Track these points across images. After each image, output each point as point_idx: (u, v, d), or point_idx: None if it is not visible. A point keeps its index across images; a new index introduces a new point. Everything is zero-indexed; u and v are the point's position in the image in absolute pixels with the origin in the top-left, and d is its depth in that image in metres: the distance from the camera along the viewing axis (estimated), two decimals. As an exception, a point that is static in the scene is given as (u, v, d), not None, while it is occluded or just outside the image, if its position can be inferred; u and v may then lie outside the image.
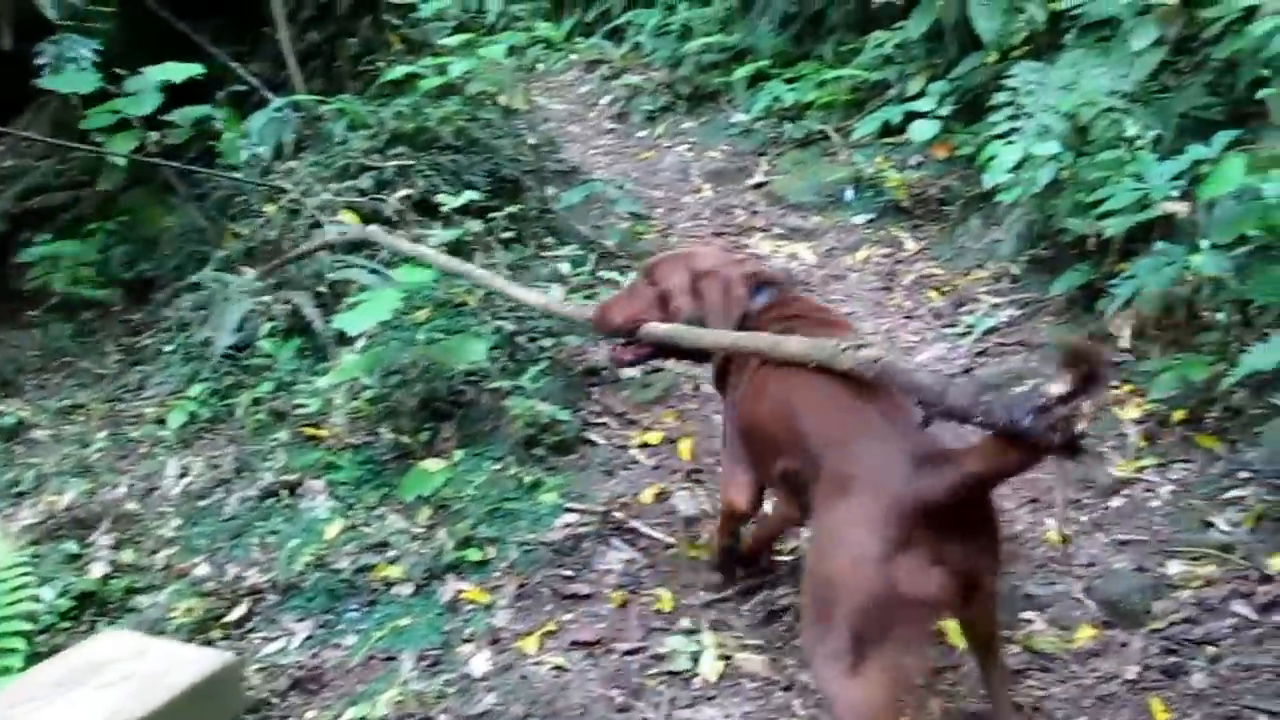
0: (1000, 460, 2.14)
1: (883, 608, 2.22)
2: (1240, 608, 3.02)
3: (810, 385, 2.58)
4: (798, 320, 2.88)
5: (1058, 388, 1.97)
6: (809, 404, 2.59)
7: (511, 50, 5.13)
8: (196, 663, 1.86)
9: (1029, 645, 3.00)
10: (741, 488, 3.03)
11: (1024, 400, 2.03)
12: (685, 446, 4.06)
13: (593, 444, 4.09)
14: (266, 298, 4.45)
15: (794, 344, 2.61)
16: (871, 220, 5.93)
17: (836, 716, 2.32)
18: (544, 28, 7.39)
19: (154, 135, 4.62)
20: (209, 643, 3.26)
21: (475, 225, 4.60)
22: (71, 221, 5.12)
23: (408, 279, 3.80)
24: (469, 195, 4.64)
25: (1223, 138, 3.67)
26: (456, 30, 5.72)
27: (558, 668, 3.09)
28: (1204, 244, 3.67)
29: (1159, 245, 3.90)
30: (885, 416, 2.42)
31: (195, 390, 4.38)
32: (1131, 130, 4.20)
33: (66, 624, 3.33)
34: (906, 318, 4.95)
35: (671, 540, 3.57)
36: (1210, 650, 2.90)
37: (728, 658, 3.06)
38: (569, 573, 3.47)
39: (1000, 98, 4.97)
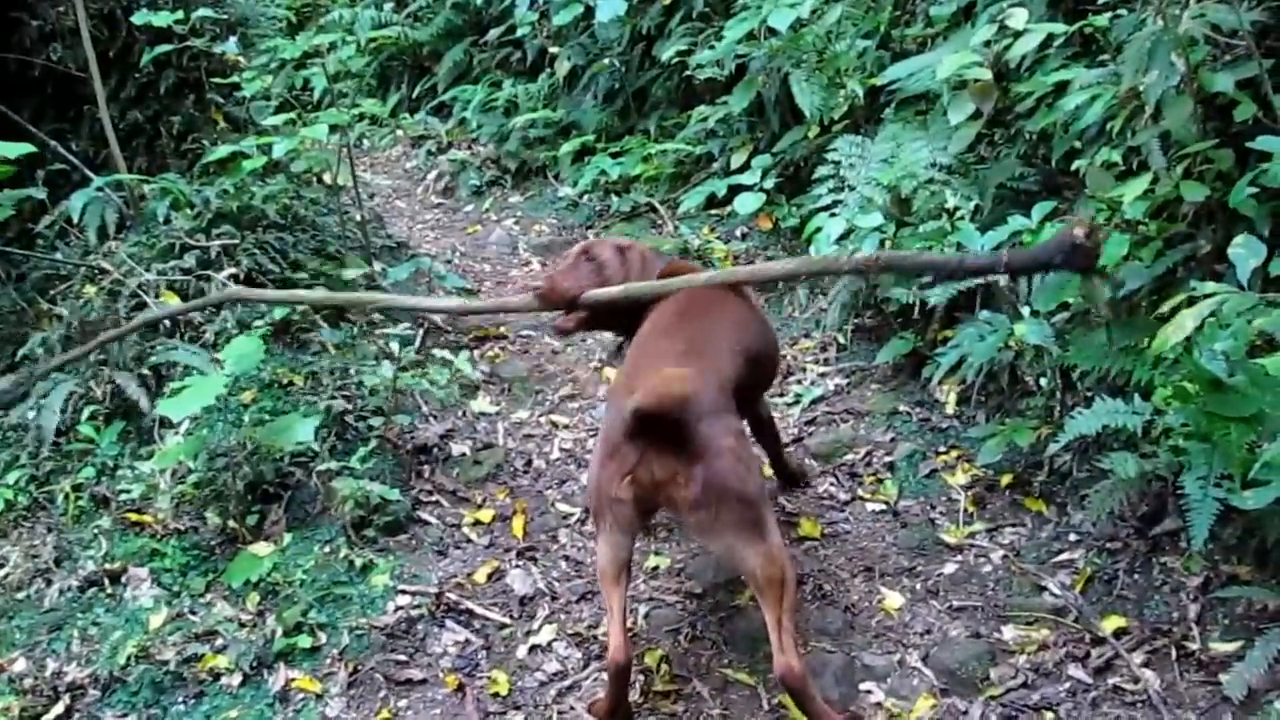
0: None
1: (596, 499, 3.09)
2: (1075, 671, 3.16)
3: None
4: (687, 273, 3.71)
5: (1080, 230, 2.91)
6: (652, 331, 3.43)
7: (335, 128, 5.12)
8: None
9: None
10: None
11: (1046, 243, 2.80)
12: (518, 524, 4.10)
13: (425, 523, 4.11)
14: (90, 380, 4.35)
15: (780, 265, 2.88)
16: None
17: None
18: (369, 104, 7.38)
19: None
20: (26, 742, 3.18)
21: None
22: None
23: (234, 362, 3.77)
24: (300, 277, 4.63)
25: (1042, 208, 3.80)
26: (281, 108, 5.69)
27: (392, 755, 3.09)
28: (1025, 311, 3.86)
29: (982, 314, 4.08)
30: (660, 348, 3.25)
31: (11, 477, 4.24)
32: (952, 201, 4.36)
33: (-126, 726, 3.18)
34: (736, 389, 5.08)
35: (506, 620, 3.61)
36: (1048, 716, 3.03)
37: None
38: (402, 657, 3.47)
39: (823, 171, 5.14)
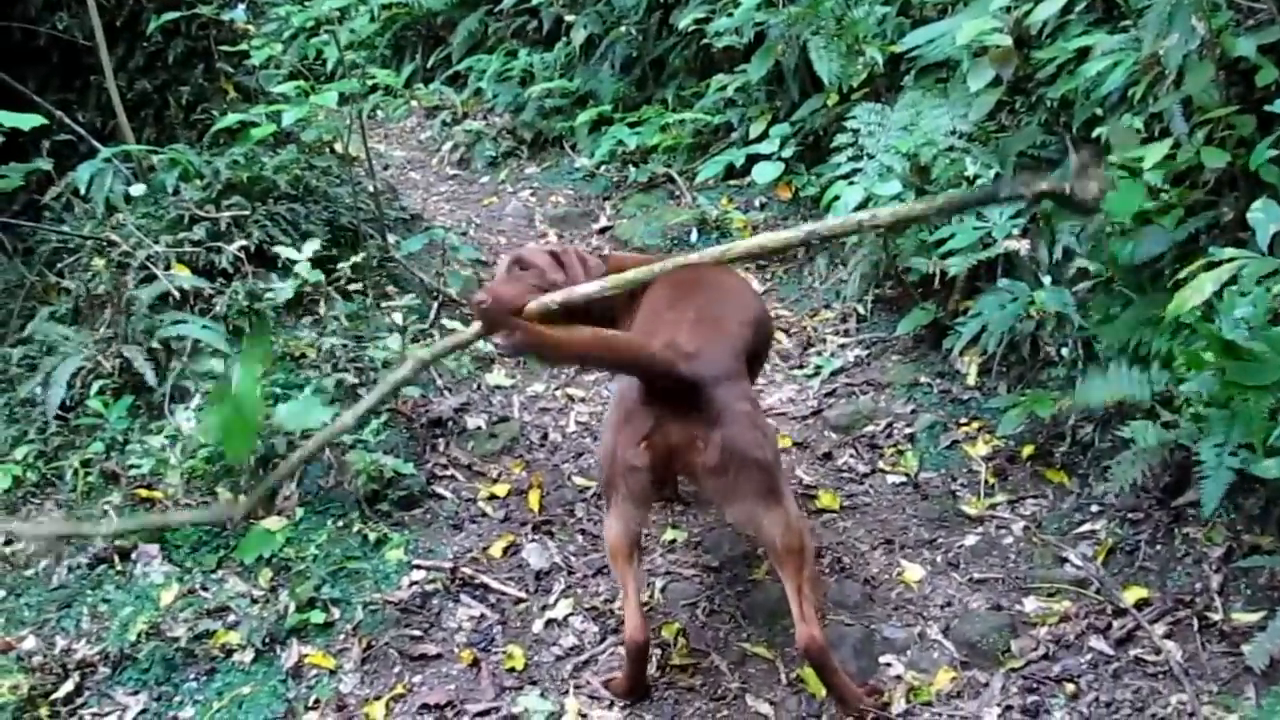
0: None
1: (609, 468, 2.99)
2: (1097, 643, 3.12)
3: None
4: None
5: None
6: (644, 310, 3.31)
7: (346, 97, 5.05)
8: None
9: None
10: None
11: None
12: (534, 498, 4.06)
13: (439, 497, 4.06)
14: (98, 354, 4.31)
15: (774, 236, 2.80)
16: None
17: None
18: (383, 74, 7.30)
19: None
20: (36, 721, 3.15)
21: (314, 275, 4.52)
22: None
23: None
24: (312, 246, 4.57)
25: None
26: (292, 77, 5.62)
27: (406, 732, 3.05)
28: (1046, 280, 3.79)
29: (1003, 283, 4.03)
30: (663, 319, 3.13)
31: (20, 452, 4.20)
32: (972, 169, 4.32)
33: (-117, 705, 3.15)
34: (756, 360, 5.02)
35: (522, 595, 3.57)
36: (1069, 687, 2.99)
37: (584, 715, 3.07)
38: (416, 632, 3.43)
39: (842, 139, 5.07)
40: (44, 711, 3.18)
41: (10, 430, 4.31)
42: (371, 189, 5.47)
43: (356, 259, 4.78)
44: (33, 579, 3.72)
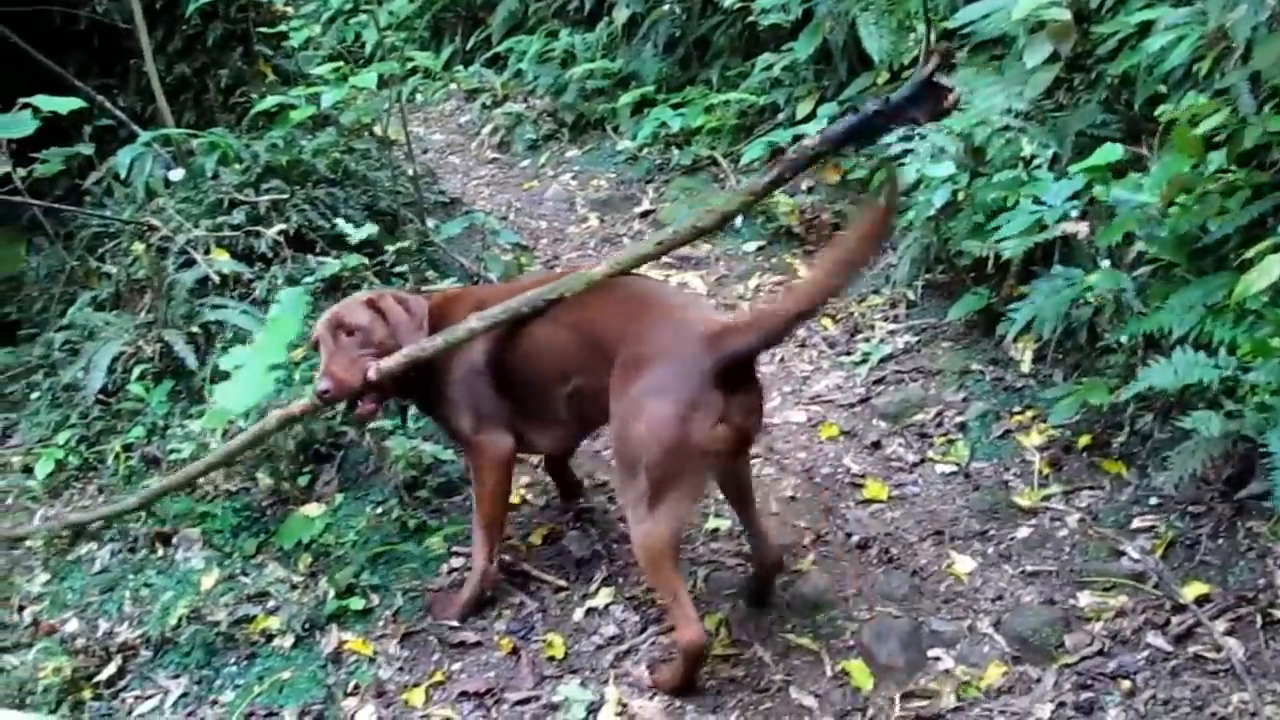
0: (766, 330, 2.81)
1: (677, 459, 2.81)
2: (1154, 639, 3.02)
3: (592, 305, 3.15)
4: (489, 297, 3.36)
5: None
6: (598, 317, 3.11)
7: (385, 80, 5.01)
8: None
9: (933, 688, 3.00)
10: (505, 438, 3.36)
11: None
12: (574, 484, 4.00)
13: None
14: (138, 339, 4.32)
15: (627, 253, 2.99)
16: (762, 247, 5.91)
17: (635, 549, 2.94)
18: (422, 56, 7.26)
19: (21, 171, 4.44)
20: (79, 704, 3.16)
21: (353, 260, 4.49)
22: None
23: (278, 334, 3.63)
24: (368, 229, 4.56)
25: (1109, 151, 3.61)
26: (331, 59, 5.60)
27: (446, 720, 3.03)
28: (1104, 264, 3.67)
29: (1058, 268, 3.91)
30: (668, 309, 3.06)
31: (62, 437, 4.23)
32: (1028, 149, 4.18)
33: (-69, 686, 3.18)
34: (800, 346, 4.91)
35: (563, 583, 3.53)
36: (1125, 684, 2.90)
37: (625, 705, 3.03)
38: (456, 620, 3.40)
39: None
40: (87, 694, 3.20)
41: (53, 415, 4.38)
42: (411, 172, 5.43)
43: (403, 244, 4.75)
44: (76, 563, 3.75)
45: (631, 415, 2.89)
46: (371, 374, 3.23)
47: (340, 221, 4.61)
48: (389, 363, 3.24)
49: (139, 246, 4.44)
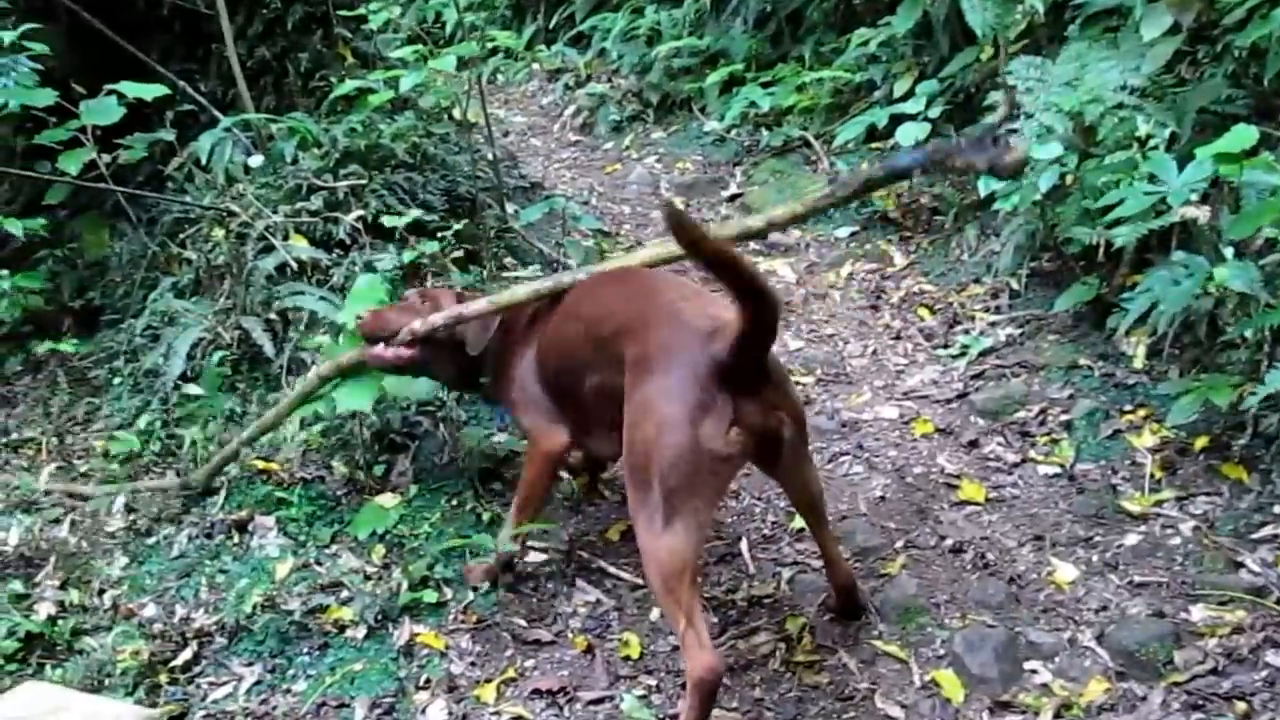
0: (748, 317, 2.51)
1: (689, 465, 2.60)
2: (1274, 658, 2.85)
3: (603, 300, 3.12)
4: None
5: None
6: (604, 313, 3.06)
7: (465, 61, 4.94)
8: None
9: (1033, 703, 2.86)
10: (557, 433, 3.36)
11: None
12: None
13: (555, 478, 3.95)
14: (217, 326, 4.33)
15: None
16: (856, 233, 5.77)
17: (645, 565, 2.69)
18: (503, 36, 7.19)
19: (105, 158, 4.46)
20: (156, 687, 3.16)
21: (430, 246, 4.45)
22: (19, 250, 4.95)
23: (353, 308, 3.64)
24: (414, 214, 4.53)
25: (1242, 134, 3.39)
26: (410, 42, 5.55)
27: (518, 718, 2.97)
28: (1228, 253, 3.49)
29: (1177, 255, 3.72)
30: (671, 304, 2.85)
31: (142, 422, 4.26)
32: (1144, 129, 4.02)
33: (13, 666, 3.22)
34: (895, 338, 4.80)
35: (639, 581, 3.44)
36: (1240, 706, 2.73)
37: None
38: (530, 616, 3.36)
39: (996, 96, 4.81)
40: (163, 678, 3.20)
41: (134, 400, 4.40)
42: (490, 156, 5.38)
43: (476, 230, 4.70)
44: (154, 547, 3.76)
45: (638, 420, 2.73)
46: (417, 324, 3.42)
47: (416, 210, 4.59)
48: (435, 318, 3.42)
49: (219, 232, 4.45)
